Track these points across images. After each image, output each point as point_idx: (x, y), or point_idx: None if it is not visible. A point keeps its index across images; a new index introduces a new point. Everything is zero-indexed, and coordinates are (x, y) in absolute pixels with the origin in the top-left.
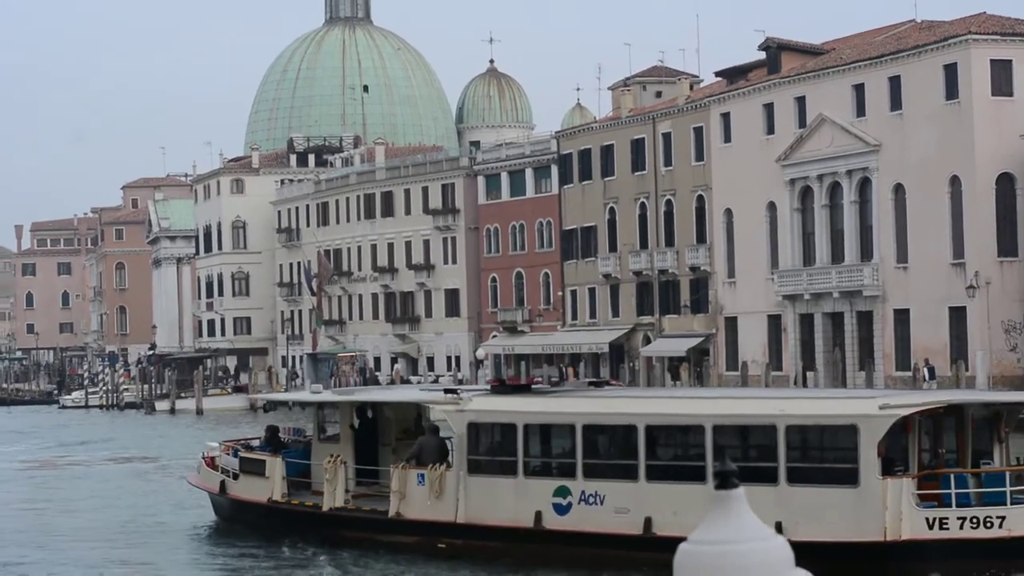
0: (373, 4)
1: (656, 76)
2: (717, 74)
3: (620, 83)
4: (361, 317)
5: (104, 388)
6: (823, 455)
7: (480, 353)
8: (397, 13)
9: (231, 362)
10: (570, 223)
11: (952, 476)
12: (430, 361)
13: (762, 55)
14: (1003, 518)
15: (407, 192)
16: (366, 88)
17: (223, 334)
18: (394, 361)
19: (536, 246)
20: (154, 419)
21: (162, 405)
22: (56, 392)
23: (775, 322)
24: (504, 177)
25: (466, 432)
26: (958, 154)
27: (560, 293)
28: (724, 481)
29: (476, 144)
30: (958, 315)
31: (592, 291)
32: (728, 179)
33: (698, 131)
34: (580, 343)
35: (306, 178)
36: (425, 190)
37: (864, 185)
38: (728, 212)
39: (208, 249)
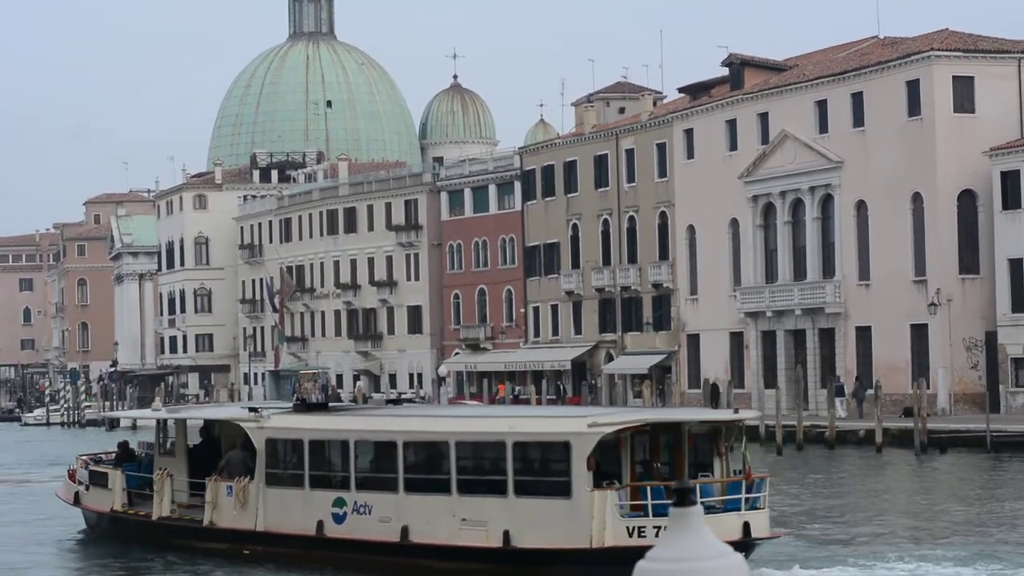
0: (337, 19)
1: (619, 92)
2: (680, 90)
3: (583, 99)
4: (323, 334)
5: (65, 405)
6: (543, 469)
7: (442, 370)
8: (361, 29)
9: (193, 379)
10: (533, 240)
11: (649, 488)
12: (392, 378)
13: (725, 71)
14: None
15: (370, 208)
16: (329, 103)
17: (185, 351)
18: (356, 378)
19: (499, 263)
20: (114, 436)
21: (124, 422)
22: (18, 409)
23: (737, 339)
24: (467, 193)
25: (264, 447)
26: (920, 171)
27: (523, 310)
28: (682, 498)
29: (439, 160)
30: (919, 332)
31: (555, 308)
32: (691, 195)
33: (661, 147)
34: (543, 360)
35: (269, 194)
36: (388, 206)
37: (827, 202)
38: (691, 229)
39: (170, 265)
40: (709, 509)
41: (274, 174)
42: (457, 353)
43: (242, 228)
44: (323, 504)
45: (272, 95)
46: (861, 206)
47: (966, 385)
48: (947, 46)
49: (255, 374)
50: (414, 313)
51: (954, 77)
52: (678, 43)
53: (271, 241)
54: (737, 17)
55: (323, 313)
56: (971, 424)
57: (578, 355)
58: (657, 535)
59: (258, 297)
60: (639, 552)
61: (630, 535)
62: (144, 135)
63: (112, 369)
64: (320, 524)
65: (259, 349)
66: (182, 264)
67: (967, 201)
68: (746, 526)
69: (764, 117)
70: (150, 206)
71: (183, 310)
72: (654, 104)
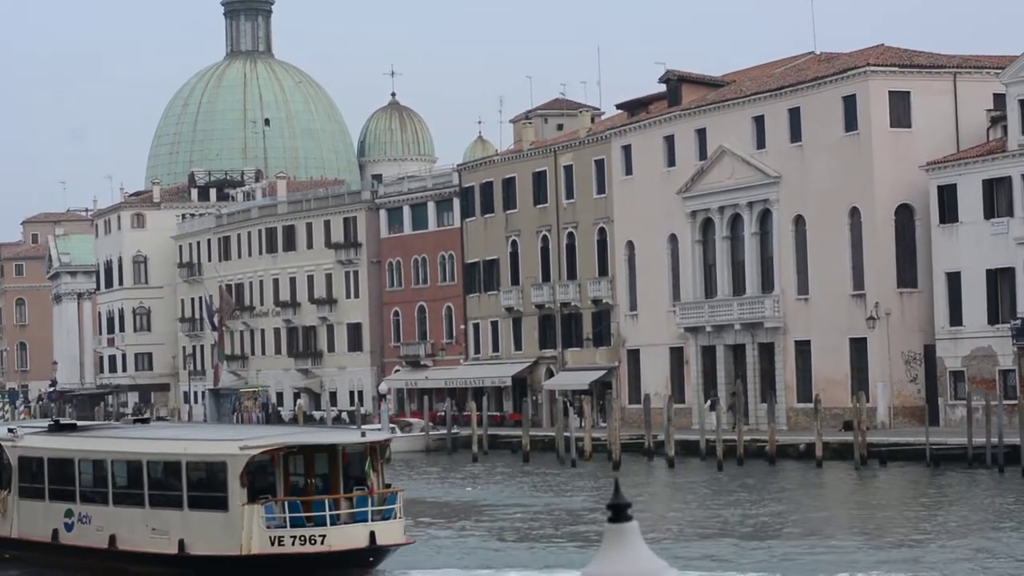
0: (274, 38)
1: (557, 109)
2: (618, 106)
3: (522, 116)
4: (263, 352)
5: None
6: (208, 485)
7: (383, 388)
8: (298, 47)
9: (132, 398)
10: (472, 256)
11: (286, 503)
12: (333, 396)
13: (663, 87)
14: (324, 536)
15: (309, 226)
16: (267, 122)
17: (124, 370)
18: (297, 396)
19: (438, 280)
20: None
21: None
22: None
23: (677, 354)
24: (406, 210)
25: (18, 464)
26: (857, 185)
27: (462, 327)
28: (617, 514)
29: (378, 177)
30: (858, 346)
31: (495, 324)
32: (629, 211)
33: (599, 163)
34: (483, 377)
35: (207, 212)
36: (327, 224)
37: (765, 217)
38: (630, 244)
39: (109, 284)
40: (337, 520)
41: (212, 192)
42: (397, 370)
43: (181, 247)
44: (58, 514)
45: (210, 113)
46: (799, 221)
47: (905, 398)
48: (883, 61)
49: (195, 393)
50: (354, 331)
51: (890, 92)
52: (615, 60)
53: (210, 259)
54: (674, 33)
55: (263, 331)
56: (910, 437)
57: (518, 371)
58: (293, 544)
59: (197, 316)
60: (280, 558)
61: (272, 544)
62: (81, 154)
63: (51, 389)
64: (55, 532)
65: (199, 368)
66: (121, 283)
67: (904, 215)
68: (372, 535)
69: (702, 133)
70: (88, 225)
71: (122, 329)
72: (592, 120)
